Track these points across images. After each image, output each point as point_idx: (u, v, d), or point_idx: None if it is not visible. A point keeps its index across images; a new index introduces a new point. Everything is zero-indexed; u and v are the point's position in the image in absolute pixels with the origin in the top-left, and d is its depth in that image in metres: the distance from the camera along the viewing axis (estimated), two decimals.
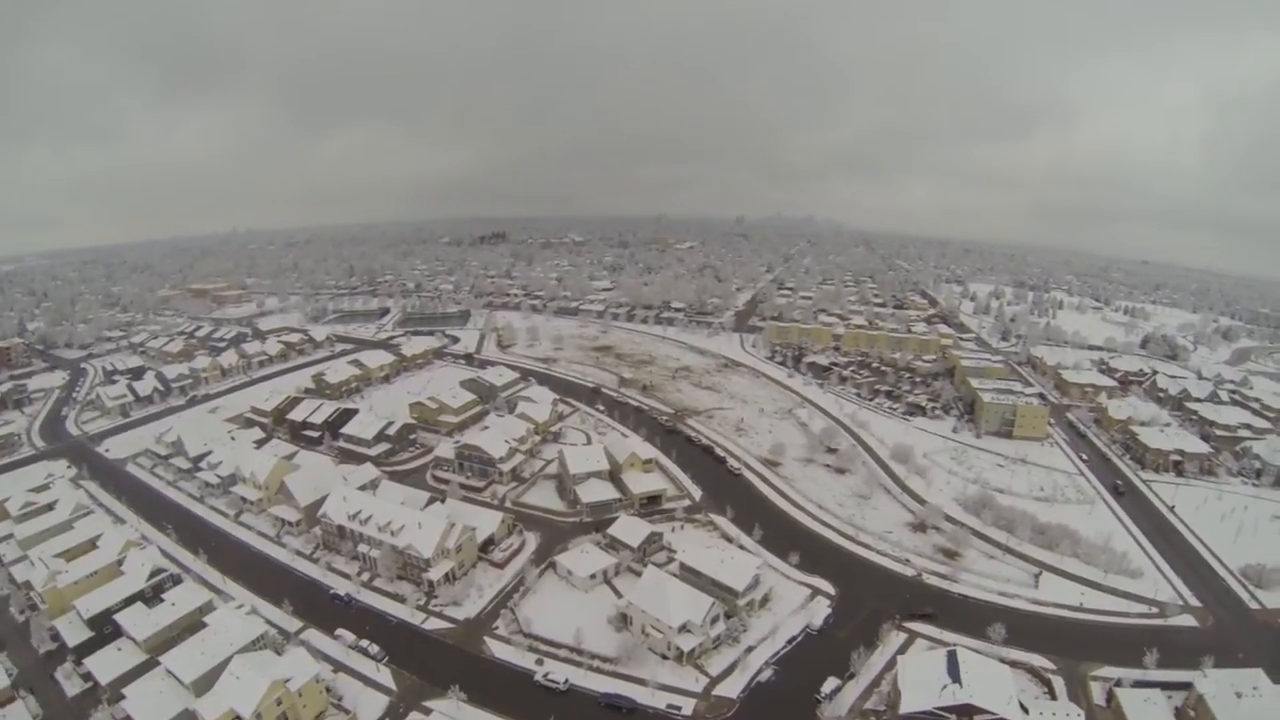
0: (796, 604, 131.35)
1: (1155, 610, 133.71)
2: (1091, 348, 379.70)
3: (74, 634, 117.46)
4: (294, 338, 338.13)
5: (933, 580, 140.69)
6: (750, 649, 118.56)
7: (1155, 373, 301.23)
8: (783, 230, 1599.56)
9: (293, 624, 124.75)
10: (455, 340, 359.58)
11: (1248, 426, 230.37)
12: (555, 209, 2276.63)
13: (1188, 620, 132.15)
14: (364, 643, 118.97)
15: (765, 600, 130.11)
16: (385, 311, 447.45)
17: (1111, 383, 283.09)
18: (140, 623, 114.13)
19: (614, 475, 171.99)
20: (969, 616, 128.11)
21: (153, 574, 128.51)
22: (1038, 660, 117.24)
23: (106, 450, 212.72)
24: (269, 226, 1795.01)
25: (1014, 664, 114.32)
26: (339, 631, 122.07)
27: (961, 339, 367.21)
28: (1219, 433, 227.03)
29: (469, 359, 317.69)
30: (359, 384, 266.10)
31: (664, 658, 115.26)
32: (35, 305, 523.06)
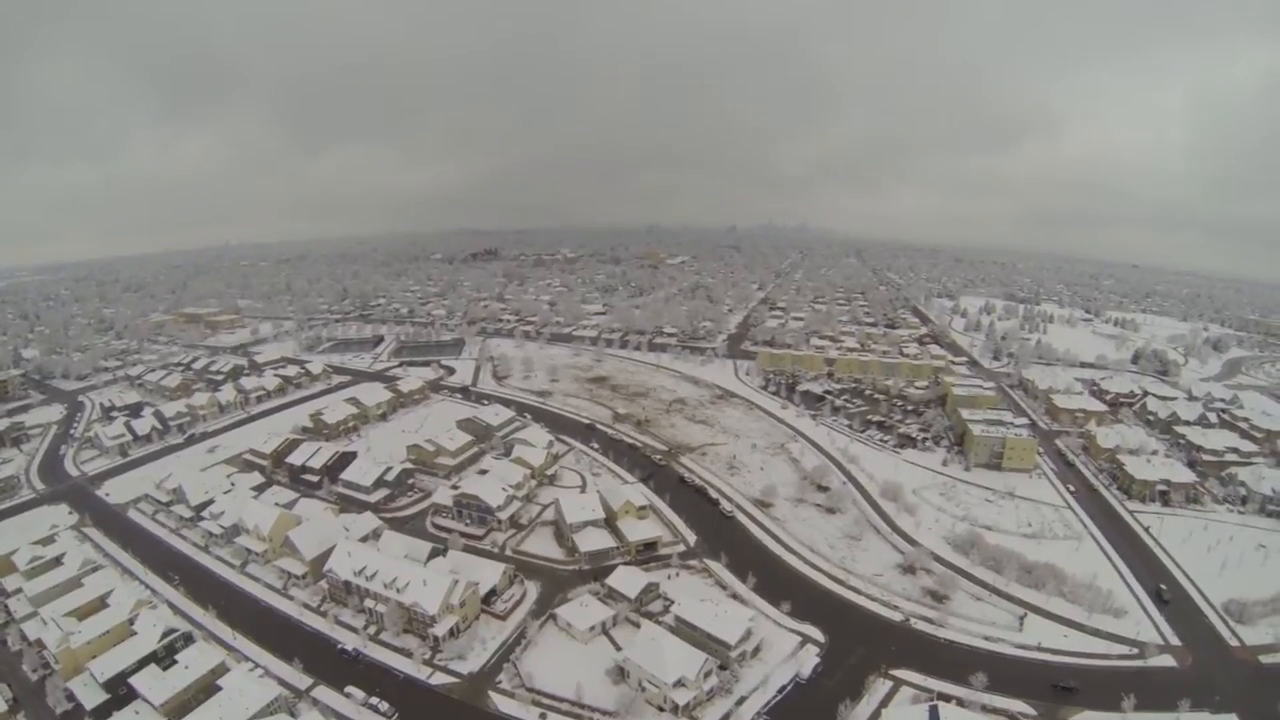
0: (787, 652, 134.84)
1: (1136, 651, 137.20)
2: (1083, 365, 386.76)
3: (89, 696, 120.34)
4: (290, 370, 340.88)
5: (920, 625, 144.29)
6: (742, 699, 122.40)
7: (1145, 394, 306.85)
8: (775, 240, 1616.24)
9: (303, 680, 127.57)
10: (451, 371, 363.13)
11: (1235, 450, 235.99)
12: (547, 219, 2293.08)
13: (1168, 661, 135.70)
14: (374, 700, 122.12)
15: (757, 650, 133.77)
16: (380, 340, 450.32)
17: (1102, 407, 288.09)
18: (156, 686, 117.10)
19: (610, 522, 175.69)
20: (954, 662, 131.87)
21: (165, 634, 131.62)
22: (1018, 706, 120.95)
23: (107, 494, 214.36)
24: (261, 240, 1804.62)
25: (995, 712, 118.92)
26: (349, 689, 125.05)
27: (954, 362, 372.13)
28: (1206, 458, 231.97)
29: (465, 392, 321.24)
30: (356, 423, 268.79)
31: (660, 710, 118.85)
32: (29, 329, 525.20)
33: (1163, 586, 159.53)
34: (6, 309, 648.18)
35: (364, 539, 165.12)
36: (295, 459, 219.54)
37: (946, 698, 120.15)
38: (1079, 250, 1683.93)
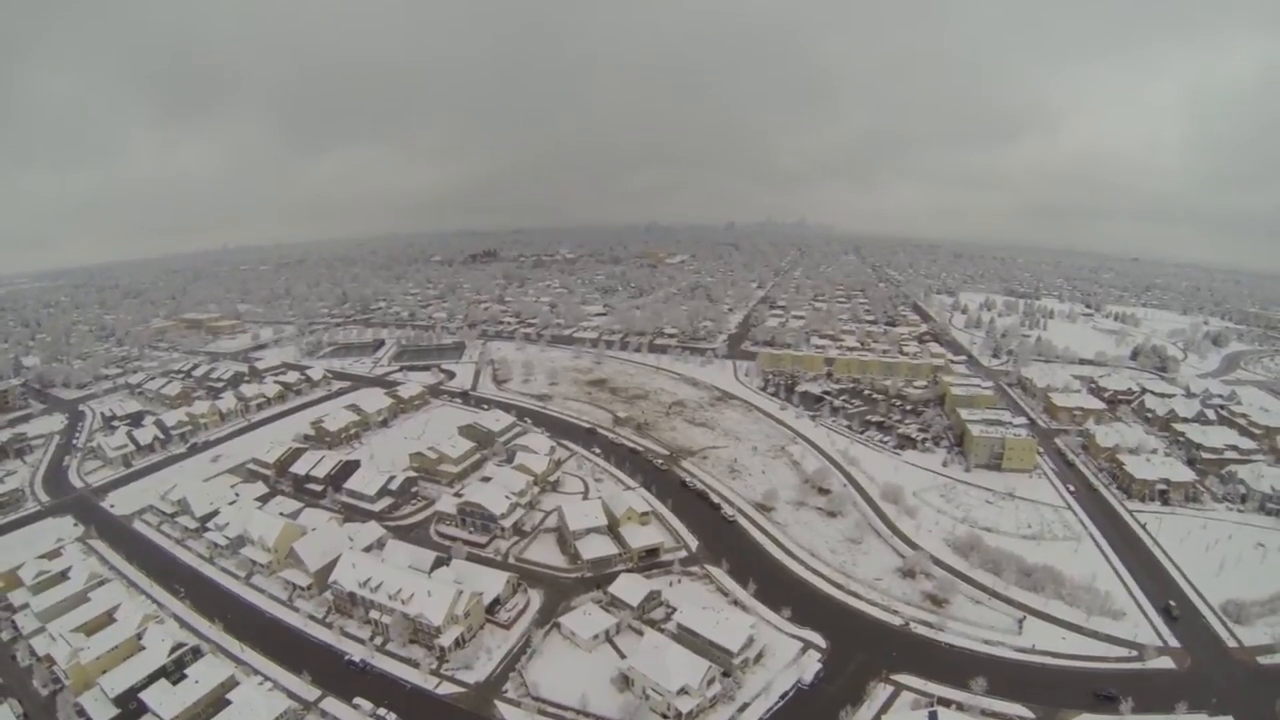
0: (789, 658, 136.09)
1: (1134, 653, 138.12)
2: (1082, 362, 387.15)
3: (100, 711, 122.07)
4: (291, 377, 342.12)
5: (920, 630, 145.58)
6: (745, 706, 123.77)
7: (1144, 391, 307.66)
8: (773, 236, 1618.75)
9: (311, 692, 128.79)
10: (451, 375, 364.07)
11: (1234, 448, 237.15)
12: (546, 219, 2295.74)
13: (1166, 663, 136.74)
14: (382, 710, 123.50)
15: (759, 657, 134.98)
16: (380, 344, 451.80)
17: (1101, 405, 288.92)
18: (166, 701, 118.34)
19: (612, 528, 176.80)
20: (954, 667, 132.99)
21: (174, 649, 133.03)
22: (1018, 710, 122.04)
23: (112, 506, 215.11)
24: (260, 242, 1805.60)
25: (994, 715, 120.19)
26: (357, 700, 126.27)
27: (953, 360, 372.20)
28: (1205, 455, 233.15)
29: (465, 397, 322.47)
30: (358, 429, 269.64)
31: (664, 717, 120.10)
32: (29, 337, 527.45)
33: (1172, 603, 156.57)
34: (7, 316, 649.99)
35: (368, 548, 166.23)
36: (299, 468, 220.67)
37: (946, 702, 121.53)
38: (1079, 243, 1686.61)
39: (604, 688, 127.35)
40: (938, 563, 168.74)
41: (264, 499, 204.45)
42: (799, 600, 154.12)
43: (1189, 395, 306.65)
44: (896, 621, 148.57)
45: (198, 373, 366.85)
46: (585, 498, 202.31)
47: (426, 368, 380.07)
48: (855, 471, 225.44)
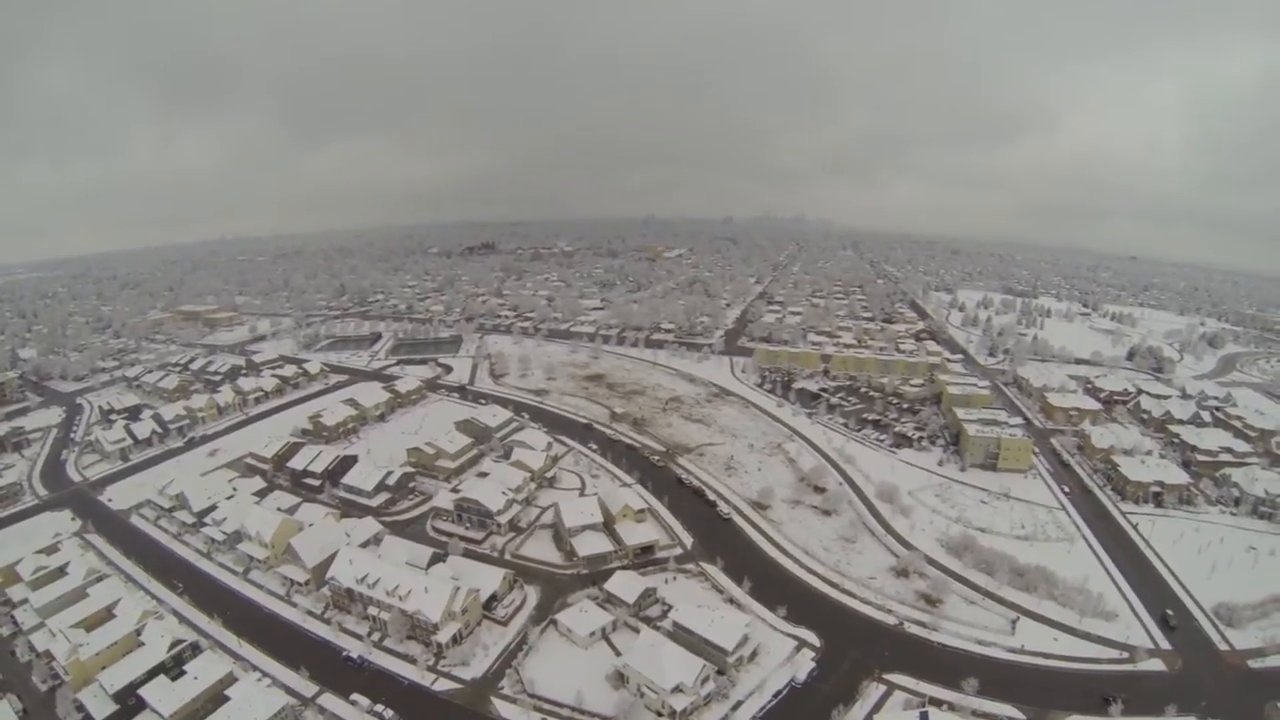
0: (783, 656, 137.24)
1: (1126, 655, 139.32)
2: (1078, 362, 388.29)
3: (99, 707, 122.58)
4: (288, 370, 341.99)
5: (914, 629, 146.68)
6: (739, 704, 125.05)
7: (1139, 392, 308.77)
8: (771, 231, 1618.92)
9: (309, 688, 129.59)
10: (448, 369, 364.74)
11: (1229, 450, 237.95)
12: (544, 212, 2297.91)
13: (1157, 665, 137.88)
14: (379, 707, 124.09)
15: (753, 655, 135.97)
16: (378, 337, 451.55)
17: (1096, 405, 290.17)
18: (165, 697, 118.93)
19: (608, 525, 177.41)
20: (946, 666, 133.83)
21: (172, 645, 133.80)
22: (1009, 711, 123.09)
23: (109, 500, 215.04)
24: (258, 233, 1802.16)
25: (985, 715, 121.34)
26: (354, 697, 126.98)
27: (949, 359, 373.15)
28: (1200, 458, 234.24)
29: (462, 392, 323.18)
30: (355, 424, 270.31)
31: (659, 715, 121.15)
32: (26, 328, 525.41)
33: (1169, 612, 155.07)
34: (4, 307, 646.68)
35: (365, 544, 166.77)
36: (296, 463, 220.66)
37: (938, 702, 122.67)
38: (1077, 242, 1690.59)
39: (599, 685, 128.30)
40: (932, 562, 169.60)
41: (261, 494, 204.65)
42: (793, 599, 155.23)
43: (1185, 397, 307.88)
44: (890, 621, 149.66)
45: (195, 366, 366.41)
46: (582, 494, 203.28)
47: (424, 362, 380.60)
48: (851, 470, 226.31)
